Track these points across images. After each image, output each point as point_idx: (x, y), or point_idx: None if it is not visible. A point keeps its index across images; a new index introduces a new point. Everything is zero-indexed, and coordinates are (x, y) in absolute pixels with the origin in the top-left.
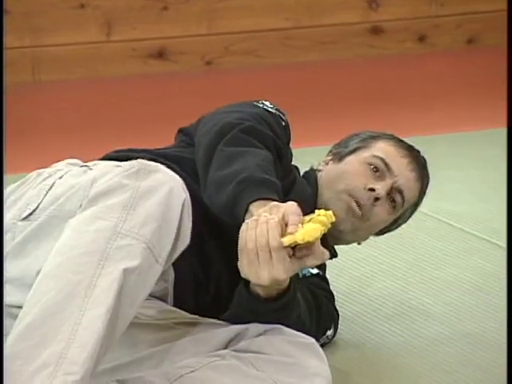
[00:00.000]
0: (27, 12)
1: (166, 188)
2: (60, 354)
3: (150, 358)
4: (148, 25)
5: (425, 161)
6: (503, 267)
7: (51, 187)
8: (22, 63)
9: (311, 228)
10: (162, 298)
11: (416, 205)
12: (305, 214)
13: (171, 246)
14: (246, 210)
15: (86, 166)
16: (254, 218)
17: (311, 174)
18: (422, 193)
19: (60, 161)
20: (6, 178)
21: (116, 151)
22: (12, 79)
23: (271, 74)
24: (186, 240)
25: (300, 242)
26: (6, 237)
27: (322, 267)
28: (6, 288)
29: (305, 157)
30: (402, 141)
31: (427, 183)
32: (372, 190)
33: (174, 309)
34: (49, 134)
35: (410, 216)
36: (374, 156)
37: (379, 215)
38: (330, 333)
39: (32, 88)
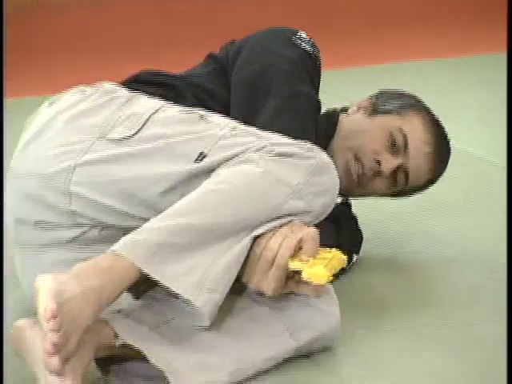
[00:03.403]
0: None
1: (335, 173)
2: (206, 268)
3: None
4: None
5: (448, 154)
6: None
7: (147, 120)
8: None
9: (321, 272)
10: None
11: (419, 189)
12: (324, 242)
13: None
14: None
15: (193, 111)
16: (277, 227)
17: (333, 118)
18: (429, 182)
19: (68, 84)
20: (13, 101)
21: (147, 73)
22: (14, 1)
23: None
24: None
25: (304, 278)
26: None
27: None
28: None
29: None
30: (437, 124)
31: (438, 176)
32: (378, 162)
33: None
34: (52, 57)
35: (410, 195)
36: (400, 130)
37: (375, 186)
38: (355, 258)
39: (35, 10)
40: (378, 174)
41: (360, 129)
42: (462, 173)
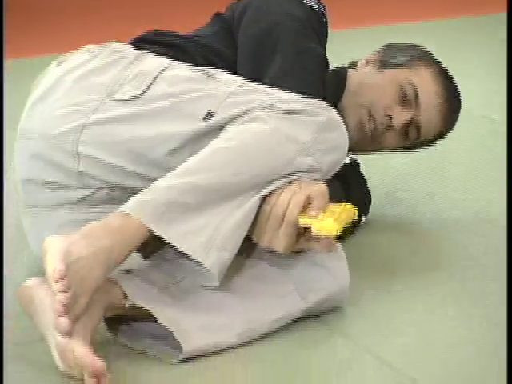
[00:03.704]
0: None
1: (344, 130)
2: (215, 227)
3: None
4: None
5: (459, 105)
6: None
7: (155, 79)
8: None
9: (330, 225)
10: None
11: (431, 141)
12: (331, 199)
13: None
14: None
15: (200, 69)
16: (285, 184)
17: (342, 74)
18: (441, 134)
19: (76, 44)
20: (21, 61)
21: (155, 33)
22: None
23: None
24: None
25: (313, 232)
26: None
27: None
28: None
29: None
30: (447, 76)
31: (450, 128)
32: (389, 116)
33: None
34: (60, 17)
35: (422, 148)
36: (410, 83)
37: (387, 141)
38: (364, 219)
39: None
40: (389, 127)
41: (370, 83)
42: (469, 133)
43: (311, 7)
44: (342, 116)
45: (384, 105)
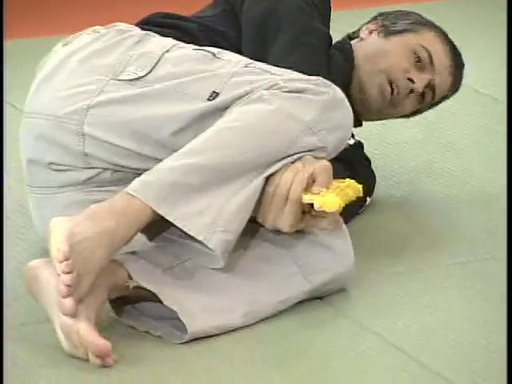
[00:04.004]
0: None
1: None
2: (219, 208)
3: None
4: None
5: (463, 63)
6: None
7: (159, 59)
8: None
9: (332, 200)
10: None
11: (437, 104)
12: (336, 177)
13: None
14: None
15: (205, 49)
16: (289, 163)
17: (345, 46)
18: (450, 94)
19: (82, 25)
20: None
21: (160, 15)
22: None
23: None
24: None
25: (316, 207)
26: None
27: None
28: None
29: None
30: (447, 36)
31: (457, 89)
32: (411, 80)
33: None
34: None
35: (428, 110)
36: (422, 46)
37: (406, 106)
38: (369, 200)
39: None
40: (411, 92)
41: (383, 51)
42: (472, 111)
43: None
44: (362, 85)
45: (403, 69)
